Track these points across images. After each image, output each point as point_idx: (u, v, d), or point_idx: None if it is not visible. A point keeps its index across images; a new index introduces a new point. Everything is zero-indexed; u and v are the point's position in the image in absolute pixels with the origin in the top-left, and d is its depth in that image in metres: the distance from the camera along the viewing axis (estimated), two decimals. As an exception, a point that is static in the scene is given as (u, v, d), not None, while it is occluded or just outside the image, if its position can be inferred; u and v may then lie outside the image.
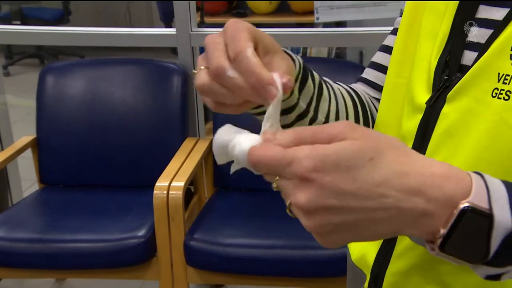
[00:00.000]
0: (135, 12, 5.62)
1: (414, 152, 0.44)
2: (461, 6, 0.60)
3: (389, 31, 0.74)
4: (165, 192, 1.66)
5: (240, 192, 1.98)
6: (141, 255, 1.71)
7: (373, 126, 0.73)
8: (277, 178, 0.44)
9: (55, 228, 1.78)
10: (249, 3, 3.06)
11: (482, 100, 0.54)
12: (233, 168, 0.50)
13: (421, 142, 0.60)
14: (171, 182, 1.70)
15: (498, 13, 0.56)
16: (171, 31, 2.06)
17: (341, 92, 0.71)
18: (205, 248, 1.66)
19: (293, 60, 0.61)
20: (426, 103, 0.60)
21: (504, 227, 0.43)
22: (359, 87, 0.77)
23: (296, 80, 0.61)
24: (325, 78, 0.70)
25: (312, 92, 0.64)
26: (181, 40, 2.03)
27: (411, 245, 0.61)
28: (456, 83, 0.57)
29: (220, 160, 0.51)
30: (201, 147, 1.97)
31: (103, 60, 2.19)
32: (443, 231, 0.43)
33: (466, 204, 0.42)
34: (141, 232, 1.71)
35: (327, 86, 0.68)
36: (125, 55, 2.28)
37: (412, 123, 0.61)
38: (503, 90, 0.52)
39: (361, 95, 0.74)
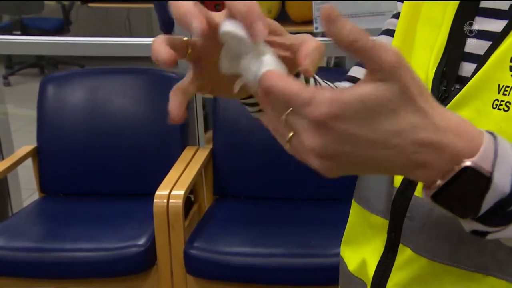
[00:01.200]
0: (135, 21, 5.65)
1: (435, 102, 0.44)
2: (458, 18, 0.60)
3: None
4: (165, 200, 1.67)
5: (240, 200, 1.98)
6: (141, 264, 1.72)
7: None
8: (287, 113, 0.42)
9: (55, 237, 1.78)
10: (248, 12, 3.08)
11: (482, 111, 0.55)
12: (238, 85, 0.45)
13: None
14: (171, 190, 1.70)
15: (495, 25, 0.56)
16: (171, 40, 2.07)
17: None
18: (205, 257, 1.66)
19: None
20: None
21: (500, 192, 0.43)
22: (345, 85, 0.77)
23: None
24: (324, 81, 0.71)
25: None
26: (180, 50, 2.04)
27: (412, 256, 0.61)
28: (456, 94, 0.57)
29: (224, 68, 0.45)
30: (201, 156, 1.97)
31: (103, 70, 2.21)
32: (439, 182, 0.43)
33: (469, 163, 0.42)
34: (141, 241, 1.71)
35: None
36: (125, 65, 2.29)
37: None
38: (503, 101, 0.53)
39: None
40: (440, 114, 0.43)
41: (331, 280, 1.60)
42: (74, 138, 2.07)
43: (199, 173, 1.90)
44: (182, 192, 1.70)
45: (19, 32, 4.94)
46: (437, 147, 0.42)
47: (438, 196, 0.44)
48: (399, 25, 0.68)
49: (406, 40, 0.66)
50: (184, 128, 2.05)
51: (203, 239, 1.71)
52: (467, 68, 0.58)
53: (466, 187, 0.43)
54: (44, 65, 5.31)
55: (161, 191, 1.70)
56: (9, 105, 2.44)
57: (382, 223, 0.66)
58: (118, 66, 2.26)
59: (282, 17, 3.06)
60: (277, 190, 1.95)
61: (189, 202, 2.01)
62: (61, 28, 5.12)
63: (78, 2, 5.14)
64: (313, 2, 1.94)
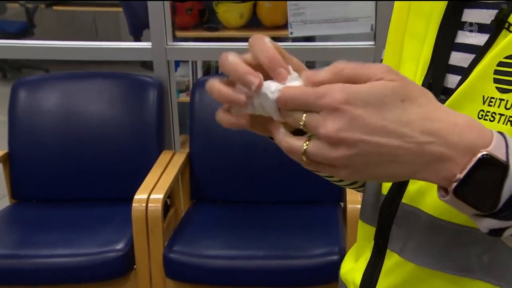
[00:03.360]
0: (101, 25, 5.57)
1: (439, 103, 0.47)
2: (441, 32, 0.63)
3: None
4: (144, 204, 1.67)
5: (217, 204, 1.99)
6: (120, 269, 1.71)
7: None
8: (305, 115, 0.46)
9: (29, 244, 1.75)
10: (220, 17, 3.10)
11: None
12: (250, 110, 0.50)
13: None
14: (150, 194, 1.70)
15: (477, 39, 0.59)
16: (146, 45, 2.08)
17: None
18: (185, 260, 1.67)
19: None
20: None
21: None
22: None
23: None
24: None
25: None
26: (156, 54, 2.05)
27: (399, 262, 0.62)
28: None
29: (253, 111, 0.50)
30: (178, 160, 1.97)
31: (77, 74, 2.18)
32: (459, 175, 0.46)
33: (485, 152, 0.45)
34: (120, 246, 1.71)
35: None
36: (91, 69, 2.26)
37: None
38: (489, 112, 0.55)
39: None
40: (446, 110, 0.47)
41: (310, 281, 1.63)
42: (48, 143, 2.03)
43: (176, 177, 1.91)
44: (161, 196, 1.70)
45: (-19, 35, 4.81)
46: (448, 137, 0.45)
47: (459, 190, 0.46)
48: (388, 41, 0.70)
49: (394, 55, 0.68)
50: (160, 132, 2.04)
51: (182, 243, 1.72)
52: (452, 79, 0.60)
53: (485, 177, 0.46)
54: (6, 69, 5.18)
55: (140, 195, 1.70)
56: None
57: (370, 230, 0.67)
58: (85, 70, 2.23)
59: (254, 22, 3.09)
60: (254, 193, 1.97)
61: (165, 206, 2.01)
62: (25, 31, 5.00)
63: (42, 5, 5.04)
64: (288, 7, 1.97)
